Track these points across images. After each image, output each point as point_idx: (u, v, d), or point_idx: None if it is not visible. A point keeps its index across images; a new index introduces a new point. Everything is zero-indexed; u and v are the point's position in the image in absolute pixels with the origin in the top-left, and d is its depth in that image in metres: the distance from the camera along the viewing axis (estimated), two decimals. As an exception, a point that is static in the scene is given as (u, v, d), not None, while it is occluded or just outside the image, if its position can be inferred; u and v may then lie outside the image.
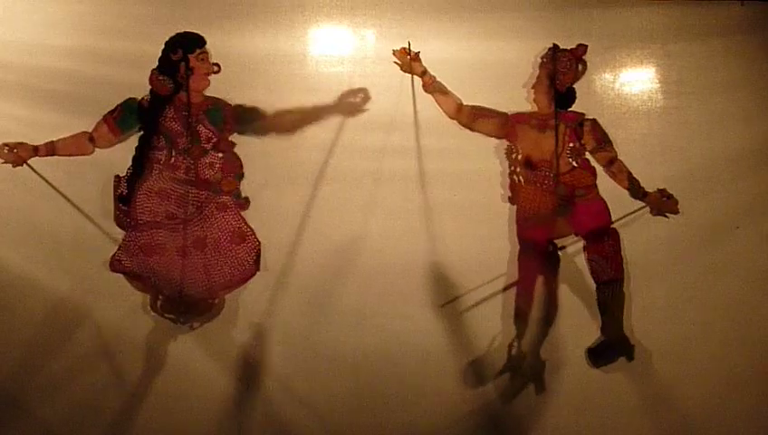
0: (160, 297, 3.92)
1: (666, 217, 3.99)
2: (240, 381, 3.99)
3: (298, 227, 4.02)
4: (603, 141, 4.01)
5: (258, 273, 3.95)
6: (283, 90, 4.03)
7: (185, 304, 3.90)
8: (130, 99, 3.93)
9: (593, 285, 3.98)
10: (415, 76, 4.02)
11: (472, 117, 4.02)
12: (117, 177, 3.91)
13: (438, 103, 4.03)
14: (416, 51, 3.98)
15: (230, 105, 3.96)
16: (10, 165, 3.83)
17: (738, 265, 4.08)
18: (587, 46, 4.00)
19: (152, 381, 3.98)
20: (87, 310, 3.97)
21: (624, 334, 3.98)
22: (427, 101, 4.06)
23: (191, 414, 3.97)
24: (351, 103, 3.99)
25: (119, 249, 3.90)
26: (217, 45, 3.96)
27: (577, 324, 4.05)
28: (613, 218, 3.98)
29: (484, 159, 4.08)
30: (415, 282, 4.05)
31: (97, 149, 3.92)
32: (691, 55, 4.11)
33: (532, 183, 4.00)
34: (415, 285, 4.04)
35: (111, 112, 3.92)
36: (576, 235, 4.00)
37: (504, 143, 4.05)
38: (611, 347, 3.98)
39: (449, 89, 4.02)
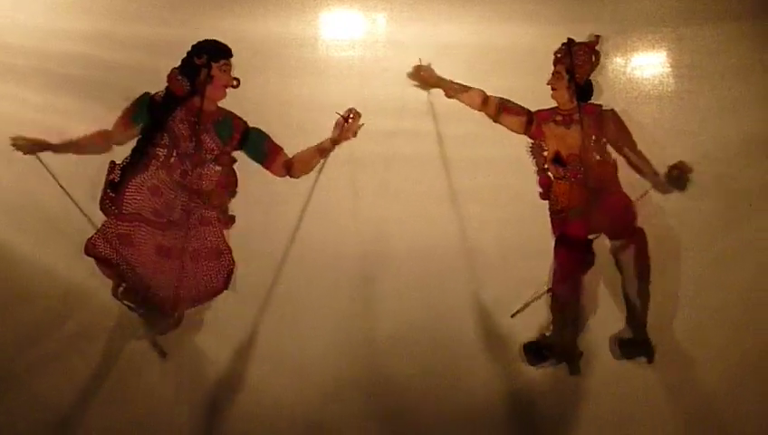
0: (123, 285, 3.82)
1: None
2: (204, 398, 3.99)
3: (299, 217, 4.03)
4: (624, 132, 3.99)
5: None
6: (294, 73, 4.07)
7: (147, 300, 3.81)
8: (144, 93, 3.90)
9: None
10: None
11: (497, 109, 4.01)
12: (112, 162, 3.84)
13: (464, 102, 4.02)
14: (426, 64, 3.98)
15: (243, 122, 3.93)
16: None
17: (751, 249, 4.05)
18: (599, 37, 3.99)
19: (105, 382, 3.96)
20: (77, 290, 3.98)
21: (646, 336, 3.95)
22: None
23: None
24: (349, 127, 3.90)
25: (96, 233, 3.79)
26: (229, 29, 3.98)
27: (608, 316, 4.03)
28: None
29: (499, 143, 4.08)
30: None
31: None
32: (703, 39, 4.10)
33: (563, 178, 3.99)
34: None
35: (128, 108, 3.88)
36: (604, 230, 3.98)
37: (528, 141, 4.05)
38: (635, 345, 3.97)
39: (467, 85, 4.00)
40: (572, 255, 3.92)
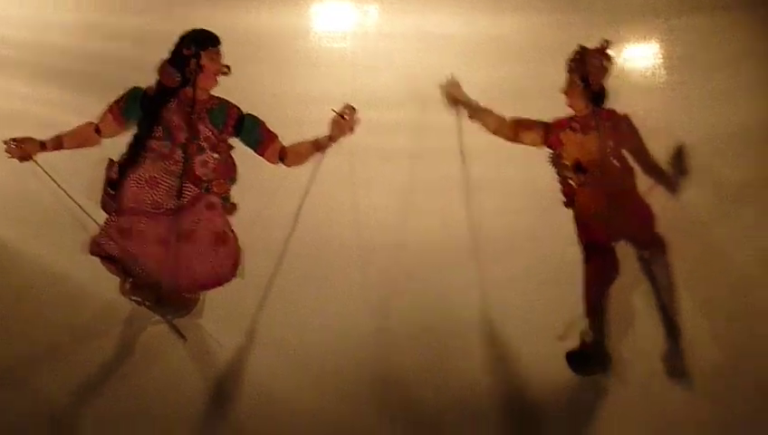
0: (129, 280, 3.80)
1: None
2: (212, 384, 4.00)
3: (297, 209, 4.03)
4: (639, 138, 3.99)
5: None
6: (287, 65, 4.08)
7: (156, 292, 3.79)
8: (136, 88, 3.87)
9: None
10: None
11: (514, 131, 4.01)
12: (110, 160, 3.84)
13: (483, 125, 4.02)
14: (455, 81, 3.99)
15: (237, 109, 3.91)
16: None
17: (742, 240, 4.05)
18: (609, 42, 3.92)
19: (120, 368, 3.98)
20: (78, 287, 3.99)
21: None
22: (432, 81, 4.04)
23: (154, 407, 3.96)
24: (346, 124, 3.87)
25: (99, 232, 3.79)
26: (221, 20, 3.96)
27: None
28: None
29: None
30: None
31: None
32: (694, 30, 4.11)
33: (584, 185, 3.98)
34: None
35: (117, 102, 3.87)
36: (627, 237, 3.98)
37: (547, 151, 4.04)
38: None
39: (490, 109, 4.00)
40: (602, 262, 3.88)
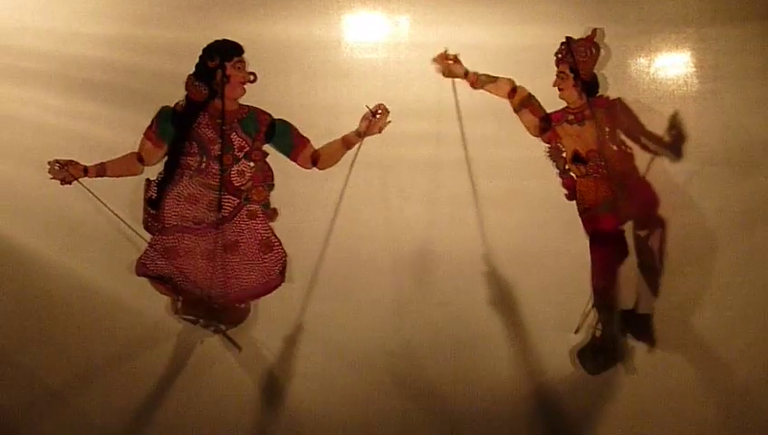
0: (179, 299, 3.92)
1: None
2: (263, 390, 4.02)
3: (330, 220, 4.03)
4: (633, 118, 4.02)
5: (284, 284, 3.97)
6: (318, 76, 4.04)
7: (208, 308, 3.90)
8: (164, 107, 3.94)
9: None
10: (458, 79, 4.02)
11: (521, 103, 4.02)
12: (147, 180, 3.92)
13: (492, 92, 4.03)
14: (453, 53, 3.98)
15: (267, 115, 3.95)
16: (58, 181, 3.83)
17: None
18: (596, 30, 3.98)
19: (174, 381, 4.00)
20: (124, 306, 4.00)
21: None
22: (466, 92, 4.04)
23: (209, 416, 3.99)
24: (376, 122, 3.94)
25: (144, 253, 3.91)
26: (252, 32, 3.98)
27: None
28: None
29: (530, 146, 4.08)
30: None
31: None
32: (726, 40, 4.06)
33: (585, 176, 4.02)
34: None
35: (150, 127, 3.92)
36: (632, 218, 4.02)
37: (544, 146, 4.07)
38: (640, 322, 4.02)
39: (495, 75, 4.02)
40: (608, 248, 3.95)
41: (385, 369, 4.04)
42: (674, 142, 4.00)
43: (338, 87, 4.04)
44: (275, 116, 3.99)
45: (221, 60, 3.89)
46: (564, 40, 3.99)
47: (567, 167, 4.06)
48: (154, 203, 3.91)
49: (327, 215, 4.02)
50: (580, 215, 4.02)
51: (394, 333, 4.04)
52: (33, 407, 4.00)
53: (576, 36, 4.00)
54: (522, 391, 4.03)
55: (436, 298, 4.05)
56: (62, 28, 4.04)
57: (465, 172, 4.06)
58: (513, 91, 4.01)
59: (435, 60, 3.99)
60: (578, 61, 3.97)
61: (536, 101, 4.03)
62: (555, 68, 4.02)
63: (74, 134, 4.00)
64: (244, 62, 3.91)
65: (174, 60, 3.98)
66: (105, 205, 3.86)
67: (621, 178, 3.99)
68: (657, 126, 4.02)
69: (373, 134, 3.95)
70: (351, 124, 3.99)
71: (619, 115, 4.02)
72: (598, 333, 3.98)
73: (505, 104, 4.04)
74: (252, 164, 3.95)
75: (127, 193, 3.94)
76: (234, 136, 3.93)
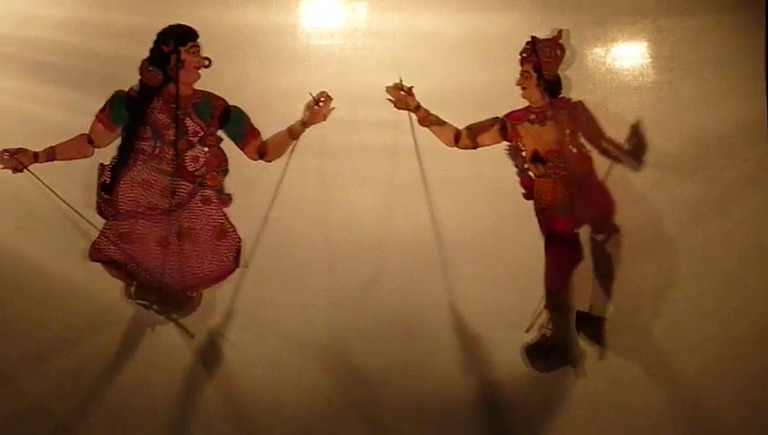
0: (133, 283, 3.91)
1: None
2: (213, 376, 3.99)
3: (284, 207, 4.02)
4: (592, 122, 4.03)
5: (237, 270, 3.95)
6: (275, 62, 4.03)
7: (161, 293, 3.89)
8: (118, 91, 3.94)
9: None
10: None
11: (472, 138, 4.04)
12: (101, 165, 3.91)
13: (437, 135, 4.04)
14: (408, 85, 3.98)
15: (222, 100, 3.96)
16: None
17: (730, 240, 4.02)
18: (561, 31, 4.00)
19: (124, 365, 3.97)
20: (76, 290, 3.97)
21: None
22: (423, 79, 4.03)
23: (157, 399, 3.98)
24: (319, 111, 3.95)
25: (98, 238, 3.89)
26: (208, 17, 3.99)
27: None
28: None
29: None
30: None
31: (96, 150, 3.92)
32: (683, 30, 4.07)
33: (544, 176, 4.02)
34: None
35: (102, 110, 3.92)
36: (588, 222, 4.02)
37: (504, 144, 4.07)
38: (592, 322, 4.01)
39: (444, 119, 4.03)
40: (563, 250, 3.95)
41: (336, 357, 4.01)
42: (634, 150, 4.00)
43: (294, 73, 4.03)
44: (231, 101, 3.99)
45: (175, 45, 3.90)
46: (529, 39, 4.00)
47: (526, 166, 4.06)
48: (108, 188, 3.90)
49: (281, 201, 4.00)
50: (537, 214, 4.02)
51: (345, 321, 4.01)
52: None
53: (536, 32, 4.01)
54: (472, 385, 4.00)
55: (389, 286, 4.02)
56: (18, 10, 4.03)
57: (419, 160, 4.05)
58: (457, 138, 4.02)
59: (388, 90, 3.99)
60: (542, 61, 3.98)
61: (478, 123, 4.03)
62: (510, 57, 4.02)
63: (28, 117, 3.99)
64: (199, 47, 3.92)
65: (129, 44, 3.97)
66: (56, 193, 3.86)
67: (580, 180, 4.00)
68: (619, 132, 4.02)
69: (318, 122, 3.95)
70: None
71: (580, 117, 4.03)
72: (548, 333, 3.97)
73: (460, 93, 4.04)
74: (206, 149, 3.94)
75: (80, 177, 3.93)
76: (188, 121, 3.93)
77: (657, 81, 4.09)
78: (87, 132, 3.91)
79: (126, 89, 3.95)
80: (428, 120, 4.01)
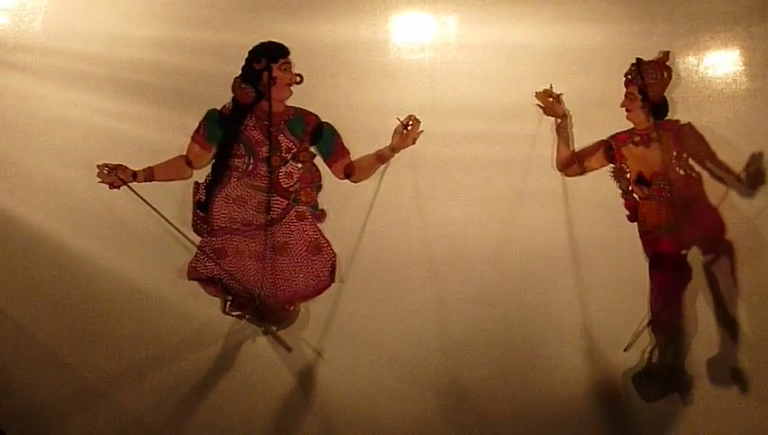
0: (229, 298, 3.94)
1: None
2: (302, 388, 4.02)
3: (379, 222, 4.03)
4: (703, 144, 3.99)
5: (333, 284, 3.98)
6: (365, 77, 4.04)
7: (257, 307, 3.92)
8: (211, 110, 3.96)
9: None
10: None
11: (579, 163, 4.02)
12: (196, 183, 3.94)
13: (556, 149, 4.03)
14: (558, 93, 3.97)
15: (314, 116, 3.97)
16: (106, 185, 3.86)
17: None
18: (669, 52, 3.98)
19: (220, 382, 4.01)
20: (173, 308, 4.01)
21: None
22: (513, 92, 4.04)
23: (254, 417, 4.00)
24: (408, 134, 3.93)
25: (195, 256, 3.94)
26: (298, 33, 3.99)
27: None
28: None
29: (580, 144, 4.08)
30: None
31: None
32: (775, 38, 4.05)
33: (648, 198, 4.00)
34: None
35: (197, 130, 3.94)
36: (696, 244, 3.98)
37: (609, 166, 4.06)
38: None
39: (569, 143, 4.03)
40: (668, 273, 3.93)
41: (434, 370, 4.02)
42: (751, 180, 3.94)
43: (385, 88, 4.04)
44: (322, 117, 4.00)
45: (267, 62, 3.91)
46: (635, 61, 3.96)
47: (630, 188, 4.04)
48: (203, 205, 3.93)
49: (375, 216, 4.02)
50: (641, 237, 3.99)
51: (441, 334, 4.02)
52: (82, 407, 4.01)
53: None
54: (575, 394, 4.00)
55: (484, 298, 4.02)
56: (111, 30, 4.05)
57: (513, 171, 4.05)
58: (569, 163, 4.00)
59: (537, 95, 3.97)
60: (647, 83, 3.94)
61: (583, 149, 4.02)
62: (603, 68, 4.00)
63: (123, 136, 4.01)
64: (291, 63, 3.93)
65: (221, 62, 3.99)
66: (154, 208, 3.87)
67: (687, 202, 3.96)
68: (730, 156, 3.98)
69: (407, 146, 3.93)
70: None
71: (688, 139, 3.99)
72: (654, 359, 3.95)
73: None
74: (299, 165, 3.96)
75: (176, 195, 3.97)
76: (281, 137, 3.95)
77: (750, 88, 4.06)
78: (184, 154, 3.93)
79: (218, 107, 3.97)
80: (565, 132, 4.00)
